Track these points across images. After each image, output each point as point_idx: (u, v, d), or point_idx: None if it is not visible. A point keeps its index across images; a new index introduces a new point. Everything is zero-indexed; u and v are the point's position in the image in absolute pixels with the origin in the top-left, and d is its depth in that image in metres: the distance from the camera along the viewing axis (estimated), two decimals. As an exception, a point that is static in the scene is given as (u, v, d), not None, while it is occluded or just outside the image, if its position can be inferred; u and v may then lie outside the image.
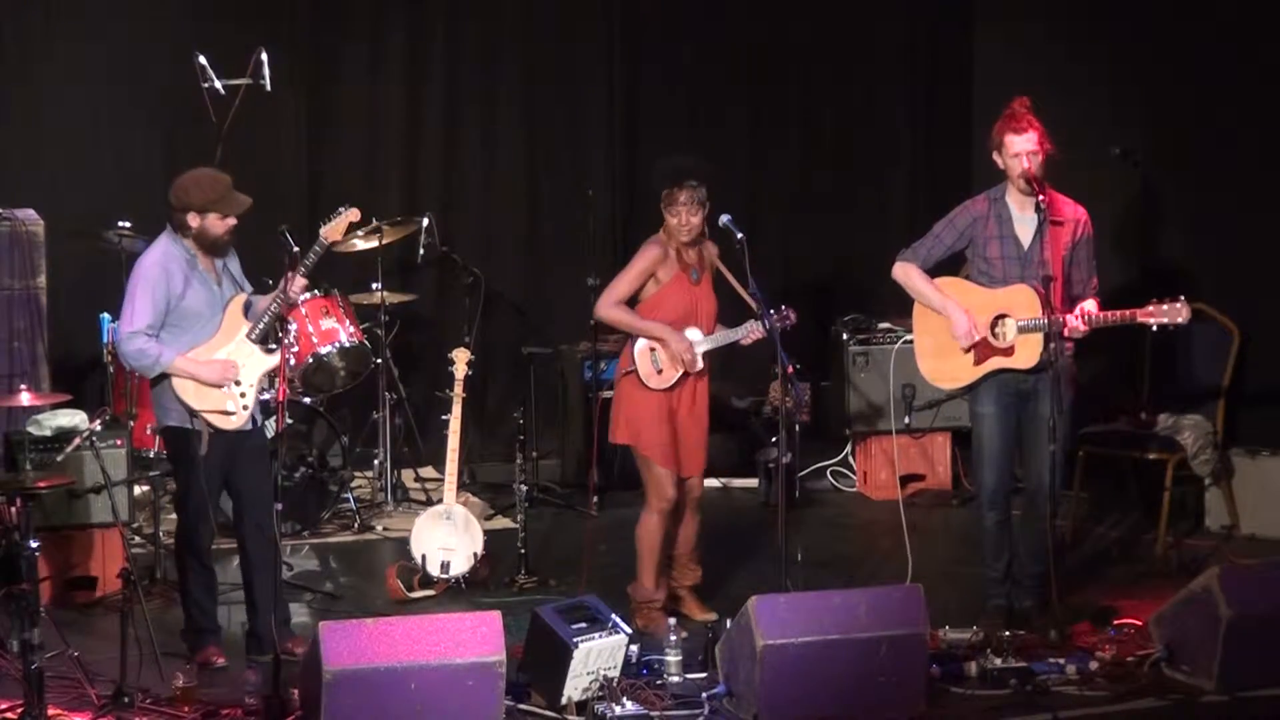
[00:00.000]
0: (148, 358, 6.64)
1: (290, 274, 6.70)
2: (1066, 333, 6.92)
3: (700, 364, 7.16)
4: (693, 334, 7.16)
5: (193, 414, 6.70)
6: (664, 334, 7.13)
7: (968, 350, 7.09)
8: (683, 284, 7.18)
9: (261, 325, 6.74)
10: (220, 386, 6.68)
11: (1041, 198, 6.93)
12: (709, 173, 7.24)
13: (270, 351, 6.80)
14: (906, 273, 7.22)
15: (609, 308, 7.19)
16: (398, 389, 9.33)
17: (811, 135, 11.08)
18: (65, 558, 7.54)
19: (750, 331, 7.10)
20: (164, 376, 6.70)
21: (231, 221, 6.69)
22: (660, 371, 7.16)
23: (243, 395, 6.72)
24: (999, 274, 7.09)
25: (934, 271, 7.24)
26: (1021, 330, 7.01)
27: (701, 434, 7.28)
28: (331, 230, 6.88)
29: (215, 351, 6.72)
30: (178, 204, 6.70)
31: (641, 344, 7.18)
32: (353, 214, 6.95)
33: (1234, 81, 8.98)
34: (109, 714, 6.16)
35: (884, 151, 11.20)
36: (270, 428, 7.15)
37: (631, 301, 7.23)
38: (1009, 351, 7.05)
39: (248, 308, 6.81)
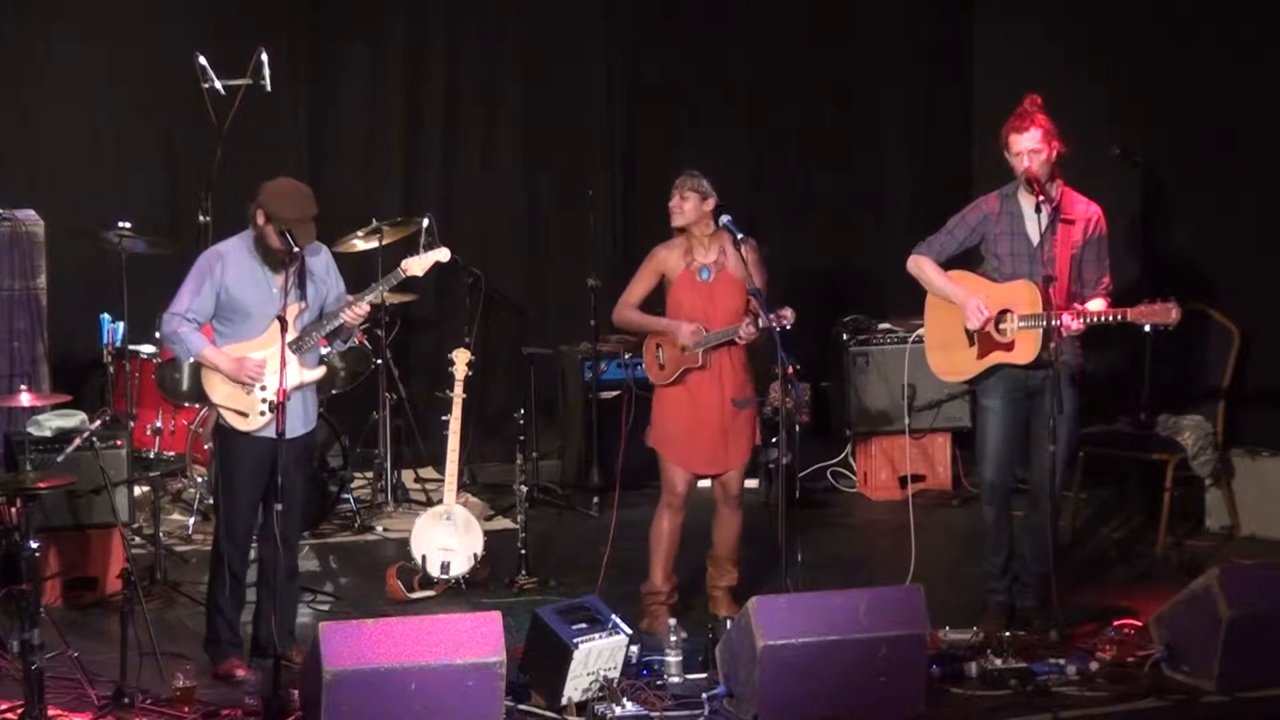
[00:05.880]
0: (179, 341, 6.67)
1: (353, 300, 6.71)
2: (1064, 330, 6.93)
3: (697, 348, 7.07)
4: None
5: (210, 405, 6.73)
6: (665, 326, 7.19)
7: (974, 336, 7.09)
8: (688, 282, 7.19)
9: (306, 338, 6.64)
10: (238, 383, 6.60)
11: (1040, 198, 6.93)
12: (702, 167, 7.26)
13: (312, 367, 6.74)
14: (919, 265, 7.25)
15: (619, 310, 7.32)
16: (398, 389, 9.32)
17: (811, 135, 11.07)
18: (65, 558, 7.53)
19: (744, 328, 7.05)
20: None
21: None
22: (663, 367, 7.20)
23: (264, 401, 6.60)
24: (1009, 270, 7.11)
25: (948, 266, 7.25)
26: (1022, 325, 7.01)
27: (726, 433, 7.22)
28: (414, 265, 6.89)
29: (252, 352, 6.63)
30: (258, 198, 6.64)
31: (648, 340, 7.29)
32: (442, 254, 6.96)
33: (1234, 81, 8.98)
34: (109, 714, 6.17)
35: (884, 152, 11.18)
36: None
37: (659, 307, 7.27)
38: (1010, 346, 7.05)
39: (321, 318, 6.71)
